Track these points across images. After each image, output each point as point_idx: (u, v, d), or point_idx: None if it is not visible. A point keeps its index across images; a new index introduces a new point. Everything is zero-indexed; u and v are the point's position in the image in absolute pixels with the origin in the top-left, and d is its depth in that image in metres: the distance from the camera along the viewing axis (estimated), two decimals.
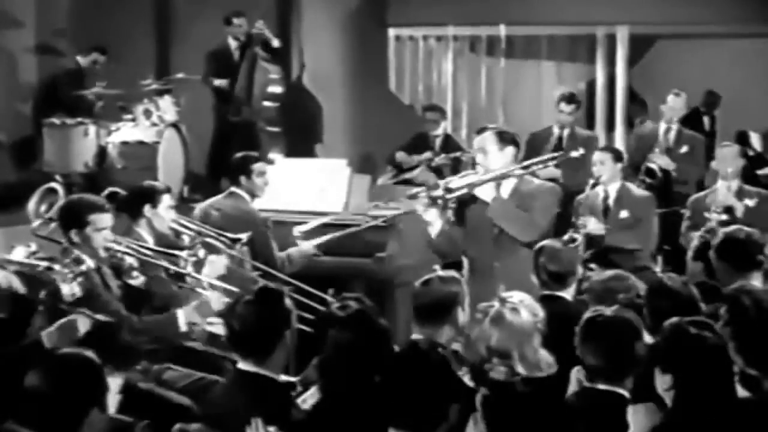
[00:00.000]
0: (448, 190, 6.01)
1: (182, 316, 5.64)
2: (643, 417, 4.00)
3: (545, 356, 4.51)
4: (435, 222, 6.03)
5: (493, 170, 6.11)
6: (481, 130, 6.35)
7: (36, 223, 6.09)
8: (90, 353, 3.77)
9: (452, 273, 5.04)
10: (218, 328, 6.39)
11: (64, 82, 10.72)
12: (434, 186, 6.09)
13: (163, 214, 6.36)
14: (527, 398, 3.64)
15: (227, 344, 4.54)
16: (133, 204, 6.39)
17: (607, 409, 3.98)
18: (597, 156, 8.04)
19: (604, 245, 7.59)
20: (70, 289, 5.11)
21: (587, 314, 4.27)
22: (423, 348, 3.60)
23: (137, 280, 5.93)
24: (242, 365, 4.24)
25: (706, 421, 3.74)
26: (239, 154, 7.41)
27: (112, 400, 5.14)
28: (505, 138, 6.19)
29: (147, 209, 6.33)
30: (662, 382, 3.90)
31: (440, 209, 6.01)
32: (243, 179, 7.19)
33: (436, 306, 4.73)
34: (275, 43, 10.99)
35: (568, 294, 5.55)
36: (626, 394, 4.04)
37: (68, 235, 5.64)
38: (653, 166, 8.99)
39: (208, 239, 6.37)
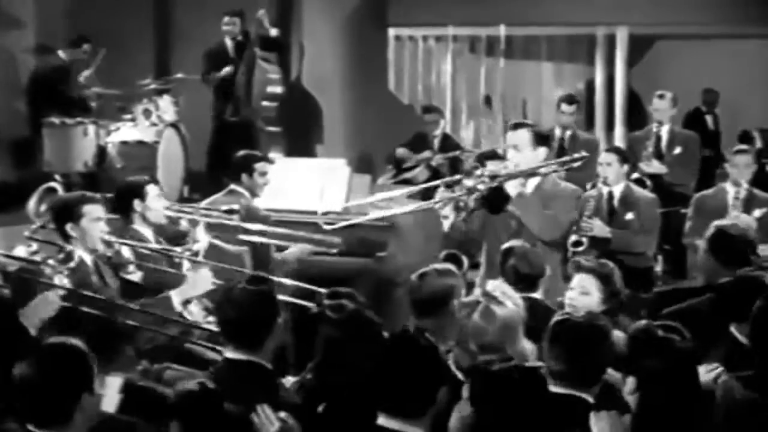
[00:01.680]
0: (492, 177, 6.03)
1: (176, 296, 5.55)
2: (605, 425, 3.85)
3: (527, 344, 4.54)
4: (450, 215, 6.08)
5: (523, 167, 6.17)
6: (517, 126, 6.37)
7: (33, 226, 6.05)
8: (75, 340, 3.78)
9: (449, 266, 5.07)
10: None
11: (54, 78, 10.67)
12: (472, 172, 6.09)
13: (153, 205, 6.32)
14: (518, 386, 3.63)
15: (220, 334, 4.52)
16: (121, 202, 6.35)
17: (569, 413, 3.86)
18: (604, 157, 7.97)
19: (610, 248, 7.55)
20: (59, 281, 5.10)
21: (556, 317, 4.16)
22: (411, 334, 3.62)
23: (134, 275, 5.94)
24: (231, 354, 4.26)
25: (669, 423, 3.68)
26: (242, 152, 7.41)
27: (112, 400, 5.15)
28: (539, 138, 6.26)
29: (137, 204, 6.31)
30: (627, 384, 3.89)
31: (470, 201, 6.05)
32: (245, 177, 7.20)
33: (432, 299, 4.77)
34: (273, 32, 10.94)
35: (538, 295, 5.53)
36: (590, 399, 3.93)
37: (64, 230, 5.57)
38: (643, 176, 8.85)
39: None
